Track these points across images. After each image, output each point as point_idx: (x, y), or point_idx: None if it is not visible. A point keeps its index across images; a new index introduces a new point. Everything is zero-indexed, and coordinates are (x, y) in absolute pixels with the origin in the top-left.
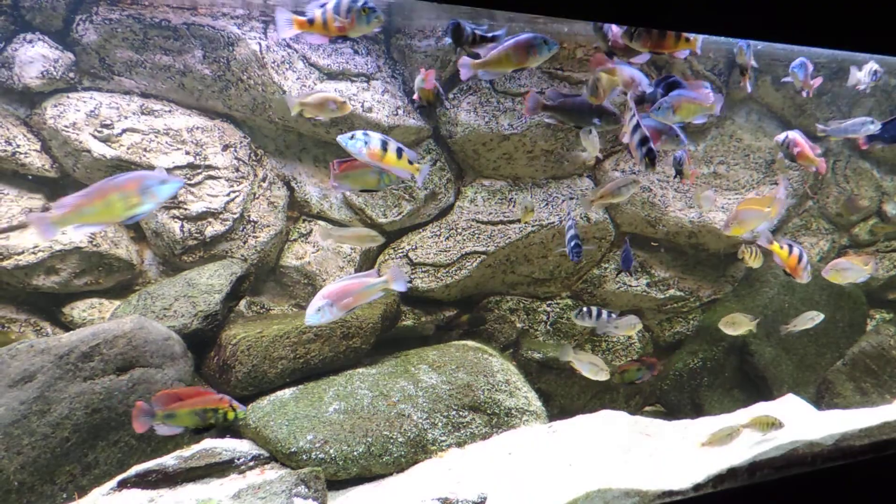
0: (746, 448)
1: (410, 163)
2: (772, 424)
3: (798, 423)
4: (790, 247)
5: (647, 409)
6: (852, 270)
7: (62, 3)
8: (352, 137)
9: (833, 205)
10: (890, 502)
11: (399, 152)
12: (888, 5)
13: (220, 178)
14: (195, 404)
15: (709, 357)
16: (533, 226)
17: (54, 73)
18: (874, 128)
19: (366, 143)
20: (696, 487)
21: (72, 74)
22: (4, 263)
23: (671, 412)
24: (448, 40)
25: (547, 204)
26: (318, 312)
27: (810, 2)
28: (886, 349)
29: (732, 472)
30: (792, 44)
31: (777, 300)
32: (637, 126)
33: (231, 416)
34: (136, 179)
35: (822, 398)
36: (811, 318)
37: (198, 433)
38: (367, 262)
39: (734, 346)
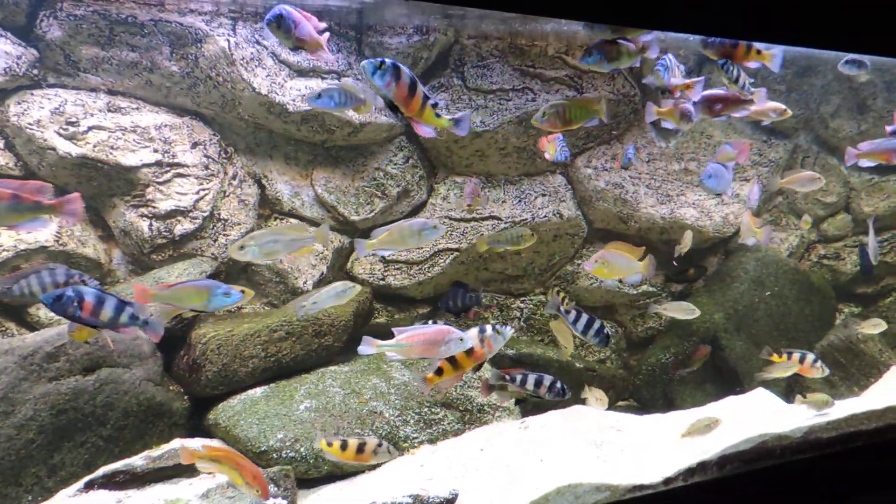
0: (717, 442)
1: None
2: (826, 402)
3: (767, 416)
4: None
5: (620, 403)
6: (622, 266)
7: None
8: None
9: (801, 200)
10: (857, 493)
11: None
12: (886, 6)
13: (189, 175)
14: None
15: (680, 352)
16: (506, 222)
17: (17, 70)
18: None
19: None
20: (667, 481)
21: (35, 71)
22: None
23: (644, 407)
24: (417, 38)
25: (520, 201)
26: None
27: (808, 2)
28: (854, 343)
29: (702, 466)
30: (790, 44)
31: (748, 295)
32: None
33: None
34: None
35: (792, 391)
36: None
37: None
38: (340, 258)
39: (705, 340)
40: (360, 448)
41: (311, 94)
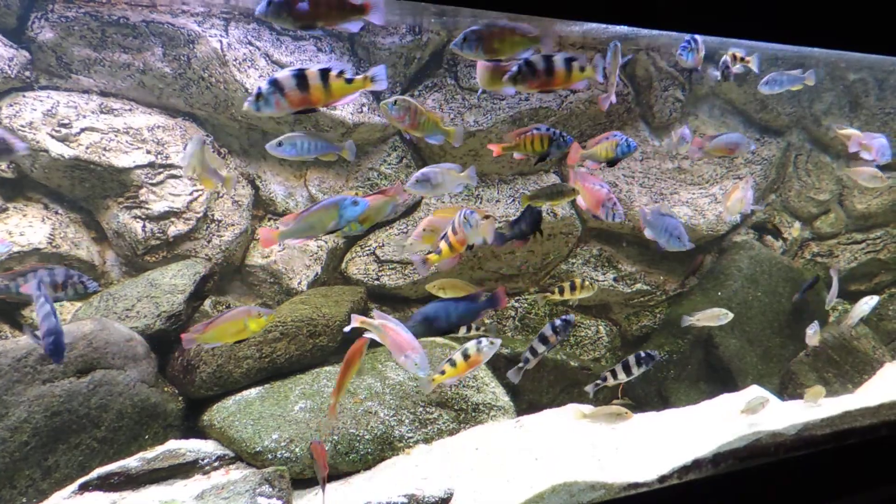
0: (712, 439)
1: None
2: (820, 394)
3: (762, 413)
4: None
5: (615, 402)
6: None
7: (16, 1)
8: None
9: (795, 198)
10: (851, 491)
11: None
12: (882, 6)
13: (182, 176)
14: None
15: (675, 350)
16: (499, 222)
17: (9, 72)
18: (810, 78)
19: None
20: (662, 479)
21: (28, 73)
22: None
23: (639, 405)
24: (410, 38)
25: (514, 200)
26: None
27: (806, 2)
28: (848, 340)
29: (697, 464)
30: (787, 44)
31: (741, 293)
32: None
33: None
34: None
35: (786, 389)
36: None
37: None
38: (335, 260)
39: (699, 338)
40: (466, 355)
41: (272, 142)
